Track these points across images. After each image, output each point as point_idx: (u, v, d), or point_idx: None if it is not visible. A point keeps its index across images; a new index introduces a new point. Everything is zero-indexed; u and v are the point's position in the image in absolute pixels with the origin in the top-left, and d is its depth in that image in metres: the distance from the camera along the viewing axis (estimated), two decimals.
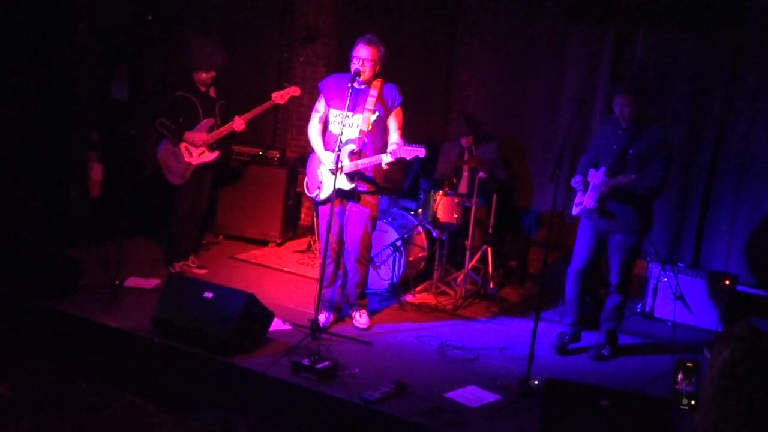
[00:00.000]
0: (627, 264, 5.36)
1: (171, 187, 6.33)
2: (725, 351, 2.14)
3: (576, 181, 5.37)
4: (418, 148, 5.16)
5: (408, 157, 5.19)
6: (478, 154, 6.75)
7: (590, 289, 5.77)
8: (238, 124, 6.15)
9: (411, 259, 6.53)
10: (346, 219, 5.47)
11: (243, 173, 7.46)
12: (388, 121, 5.39)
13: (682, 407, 2.60)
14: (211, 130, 6.22)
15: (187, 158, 6.22)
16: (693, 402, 2.59)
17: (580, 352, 5.52)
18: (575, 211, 5.43)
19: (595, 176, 5.27)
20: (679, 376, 2.65)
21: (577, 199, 5.41)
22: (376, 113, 5.31)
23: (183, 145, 6.21)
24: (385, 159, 5.21)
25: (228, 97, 6.40)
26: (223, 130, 6.20)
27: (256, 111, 6.18)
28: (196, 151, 6.21)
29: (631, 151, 5.15)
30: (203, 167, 6.29)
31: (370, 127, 5.30)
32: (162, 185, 6.44)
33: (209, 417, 1.58)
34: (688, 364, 2.66)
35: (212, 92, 6.30)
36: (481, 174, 6.43)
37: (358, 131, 5.28)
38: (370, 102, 5.29)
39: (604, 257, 5.49)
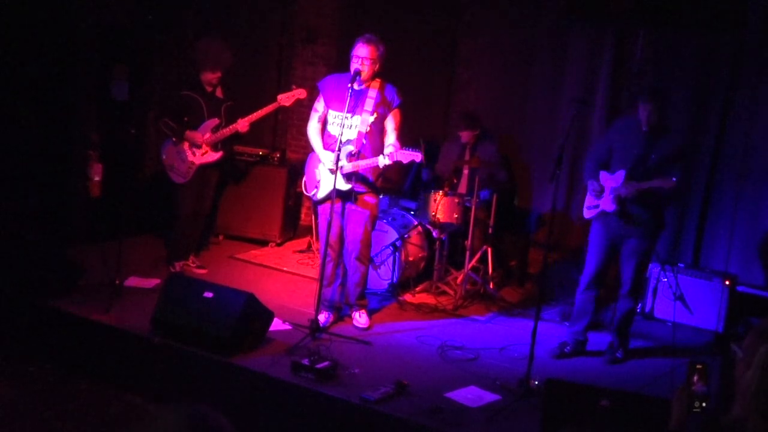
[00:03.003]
0: (641, 269, 5.35)
1: (174, 186, 6.33)
2: (762, 346, 2.16)
3: (592, 187, 5.27)
4: (414, 153, 5.11)
5: (405, 161, 5.17)
6: (479, 154, 6.74)
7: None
8: (242, 125, 6.14)
9: (411, 259, 6.53)
10: (346, 219, 5.46)
11: (243, 173, 7.47)
12: (385, 122, 5.36)
13: (694, 410, 2.59)
14: (215, 130, 6.22)
15: (190, 157, 6.21)
16: (704, 404, 2.58)
17: (579, 354, 5.50)
18: (588, 214, 5.36)
19: (612, 179, 5.21)
20: (695, 377, 2.64)
21: (589, 201, 5.34)
22: (375, 114, 5.29)
23: (186, 144, 6.21)
24: (382, 161, 5.19)
25: (235, 99, 6.38)
26: (227, 131, 6.19)
27: (261, 112, 6.15)
28: (199, 150, 6.21)
29: (653, 156, 5.12)
30: (207, 167, 6.29)
31: (368, 128, 5.29)
32: (164, 185, 6.44)
33: (180, 409, 1.61)
34: (698, 366, 2.66)
35: (219, 93, 6.28)
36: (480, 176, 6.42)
37: (356, 132, 5.27)
38: (369, 103, 5.28)
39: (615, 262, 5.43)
